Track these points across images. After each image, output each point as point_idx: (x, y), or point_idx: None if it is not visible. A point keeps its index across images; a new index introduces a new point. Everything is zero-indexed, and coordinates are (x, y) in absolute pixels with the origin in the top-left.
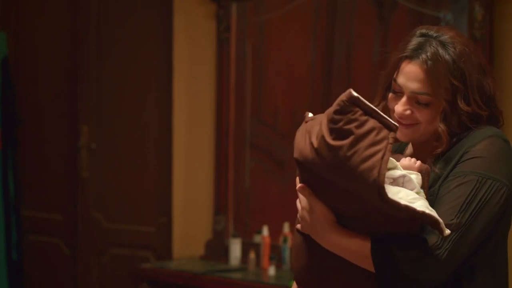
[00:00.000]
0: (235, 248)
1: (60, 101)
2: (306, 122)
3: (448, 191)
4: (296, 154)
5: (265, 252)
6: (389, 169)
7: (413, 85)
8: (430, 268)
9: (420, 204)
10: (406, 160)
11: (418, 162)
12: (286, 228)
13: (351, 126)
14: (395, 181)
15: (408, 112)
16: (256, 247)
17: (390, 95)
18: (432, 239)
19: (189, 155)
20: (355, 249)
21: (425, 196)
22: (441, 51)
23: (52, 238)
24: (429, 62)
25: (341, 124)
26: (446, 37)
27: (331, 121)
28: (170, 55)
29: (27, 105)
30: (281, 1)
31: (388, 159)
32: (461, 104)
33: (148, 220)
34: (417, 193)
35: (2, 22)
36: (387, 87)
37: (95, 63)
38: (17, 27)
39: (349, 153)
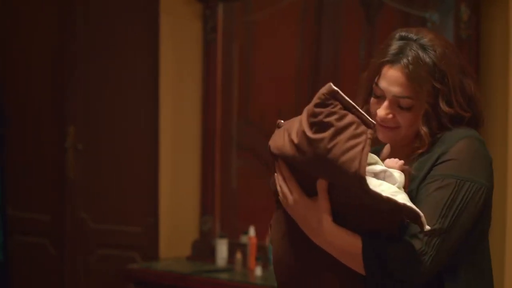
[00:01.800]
0: (222, 248)
1: (47, 102)
2: (279, 127)
3: (428, 194)
4: (275, 151)
5: (252, 252)
6: (370, 164)
7: (395, 89)
8: (416, 272)
9: (402, 197)
10: (390, 160)
11: (401, 162)
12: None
13: (331, 118)
14: (376, 176)
15: (390, 116)
16: (243, 247)
17: (372, 99)
18: (417, 243)
19: (175, 155)
20: (348, 246)
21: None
22: (421, 54)
23: (39, 238)
24: (410, 66)
25: (321, 117)
26: (425, 40)
27: (312, 115)
28: (156, 55)
29: (13, 106)
30: (268, 2)
31: (368, 151)
32: (443, 106)
33: (135, 221)
34: (398, 188)
35: None
36: (369, 92)
37: (82, 64)
38: (4, 28)
39: (329, 145)
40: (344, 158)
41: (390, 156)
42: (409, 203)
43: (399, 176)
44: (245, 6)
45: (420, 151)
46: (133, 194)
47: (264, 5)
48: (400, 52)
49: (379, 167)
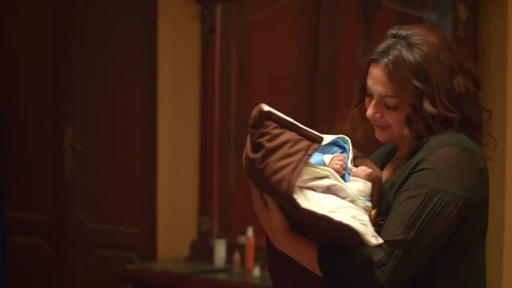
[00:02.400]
0: (220, 249)
1: (45, 102)
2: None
3: (399, 203)
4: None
5: (250, 253)
6: (320, 178)
7: (379, 88)
8: (373, 283)
9: (345, 213)
10: (358, 169)
11: (368, 171)
12: None
13: (262, 139)
14: (329, 189)
15: (378, 115)
16: (241, 248)
17: (367, 98)
18: (379, 254)
19: (174, 156)
20: (306, 257)
21: (366, 205)
22: (405, 53)
23: (37, 239)
24: (390, 66)
25: (254, 138)
26: (415, 37)
27: (250, 134)
28: (155, 55)
29: (12, 106)
30: (266, 2)
31: (300, 170)
32: (427, 107)
33: (133, 221)
34: (352, 201)
35: None
36: (362, 90)
37: (80, 64)
38: (3, 28)
39: (261, 166)
40: (275, 178)
41: (397, 155)
42: (347, 220)
43: (362, 186)
44: (243, 7)
45: (402, 153)
46: (131, 194)
47: (262, 5)
48: (385, 50)
49: (328, 181)
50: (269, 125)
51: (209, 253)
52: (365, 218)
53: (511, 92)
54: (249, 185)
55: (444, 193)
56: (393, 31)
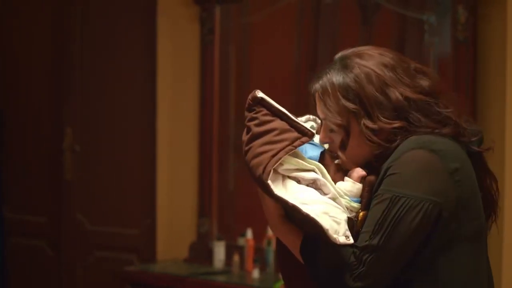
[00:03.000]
0: (219, 250)
1: (45, 103)
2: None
3: (370, 209)
4: None
5: (249, 254)
6: (305, 170)
7: (319, 112)
8: (343, 285)
9: (317, 208)
10: (354, 170)
11: (361, 173)
12: (270, 231)
13: (251, 123)
14: (314, 183)
15: (327, 139)
16: (240, 249)
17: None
18: (351, 257)
19: (173, 157)
20: (294, 244)
21: (352, 205)
22: (335, 76)
23: (36, 240)
24: (320, 90)
25: (246, 121)
26: (349, 60)
27: (245, 116)
28: (154, 57)
29: (11, 107)
30: (265, 3)
31: (279, 158)
32: (365, 123)
33: (132, 223)
34: (333, 198)
35: None
36: None
37: (80, 65)
38: (1, 28)
39: (246, 148)
40: (254, 162)
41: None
42: (314, 214)
43: (351, 186)
44: (242, 8)
45: (360, 173)
46: (130, 196)
47: (261, 6)
48: (319, 75)
49: (311, 174)
50: (260, 111)
51: (208, 255)
52: (341, 216)
53: (510, 93)
54: (248, 187)
55: (408, 198)
56: (338, 54)
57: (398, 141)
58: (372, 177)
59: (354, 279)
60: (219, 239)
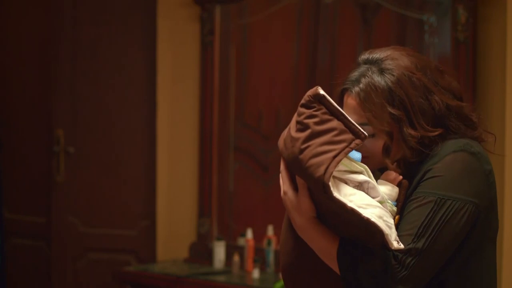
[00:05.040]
0: (219, 251)
1: (36, 104)
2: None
3: (408, 212)
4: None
5: (249, 255)
6: (354, 172)
7: (354, 118)
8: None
9: (373, 211)
10: (387, 173)
11: (397, 176)
12: (270, 231)
13: (310, 121)
14: (361, 186)
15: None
16: (240, 250)
17: None
18: (393, 261)
19: (173, 157)
20: (325, 248)
21: (393, 209)
22: (376, 79)
23: (35, 241)
24: (361, 94)
25: (302, 117)
26: (386, 62)
27: (297, 113)
28: (154, 57)
29: (6, 109)
30: (265, 4)
31: (340, 159)
32: (407, 131)
33: (132, 223)
34: (381, 202)
35: None
36: None
37: (70, 66)
38: None
39: (303, 146)
40: (312, 161)
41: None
42: (376, 219)
43: (390, 190)
44: (242, 9)
45: (399, 178)
46: (130, 196)
47: (261, 7)
48: (357, 78)
49: (362, 177)
50: (320, 109)
51: (208, 255)
52: (391, 221)
53: (510, 93)
54: (248, 187)
55: (453, 200)
56: (364, 56)
57: (436, 147)
58: (406, 181)
59: (396, 283)
60: (219, 239)
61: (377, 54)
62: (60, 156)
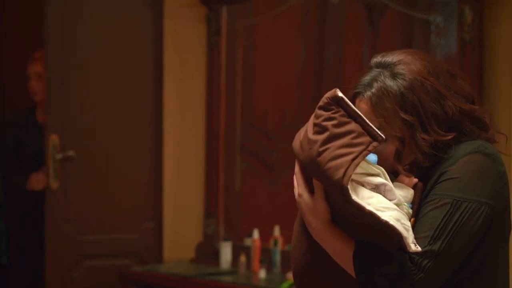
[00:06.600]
0: (226, 251)
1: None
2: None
3: (424, 214)
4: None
5: (256, 255)
6: (371, 175)
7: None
8: None
9: (390, 214)
10: (403, 176)
11: (413, 178)
12: (276, 231)
13: (329, 123)
14: (377, 188)
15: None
16: (247, 250)
17: None
18: (409, 263)
19: (179, 158)
20: (340, 251)
21: (409, 211)
22: (389, 84)
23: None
24: (373, 98)
25: (320, 119)
26: (399, 66)
27: (315, 115)
28: (161, 58)
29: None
30: (271, 4)
31: (359, 162)
32: (420, 136)
33: (139, 223)
34: (397, 205)
35: None
36: None
37: (62, 67)
38: None
39: (321, 149)
40: (331, 164)
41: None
42: (394, 222)
43: (405, 192)
44: (249, 9)
45: (415, 180)
46: (136, 196)
47: (267, 7)
48: (369, 83)
49: (379, 179)
50: (338, 111)
51: (215, 255)
52: (408, 223)
53: None
54: (254, 187)
55: (469, 202)
56: (376, 59)
57: (450, 149)
58: (421, 183)
59: (412, 285)
60: (225, 239)
61: (390, 58)
62: (52, 162)
